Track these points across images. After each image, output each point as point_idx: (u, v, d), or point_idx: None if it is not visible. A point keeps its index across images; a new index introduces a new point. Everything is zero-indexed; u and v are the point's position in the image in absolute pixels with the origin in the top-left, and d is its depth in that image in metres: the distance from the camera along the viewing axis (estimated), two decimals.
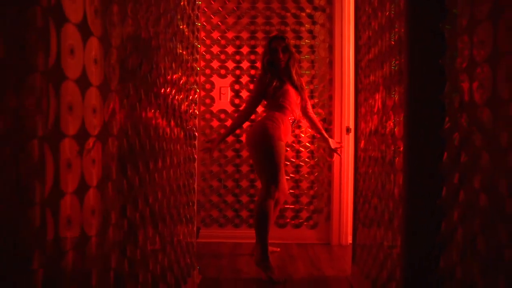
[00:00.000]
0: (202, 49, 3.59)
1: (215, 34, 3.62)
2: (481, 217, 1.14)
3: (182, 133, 2.11)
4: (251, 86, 3.60)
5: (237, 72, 3.63)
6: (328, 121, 3.58)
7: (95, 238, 1.02)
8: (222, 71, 3.63)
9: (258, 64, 3.58)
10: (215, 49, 3.62)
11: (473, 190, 1.18)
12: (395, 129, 1.75)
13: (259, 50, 3.59)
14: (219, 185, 3.63)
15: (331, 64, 3.59)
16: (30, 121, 0.76)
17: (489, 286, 1.10)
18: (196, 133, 2.53)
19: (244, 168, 3.62)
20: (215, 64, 3.63)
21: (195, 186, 2.52)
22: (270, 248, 3.25)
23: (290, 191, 3.59)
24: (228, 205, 3.64)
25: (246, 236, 3.53)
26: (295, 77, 2.91)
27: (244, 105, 3.23)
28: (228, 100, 3.63)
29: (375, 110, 2.14)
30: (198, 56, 2.60)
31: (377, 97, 2.11)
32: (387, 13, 1.92)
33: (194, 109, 2.45)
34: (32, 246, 0.77)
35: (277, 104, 2.85)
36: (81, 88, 0.94)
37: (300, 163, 3.62)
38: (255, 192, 3.60)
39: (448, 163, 1.37)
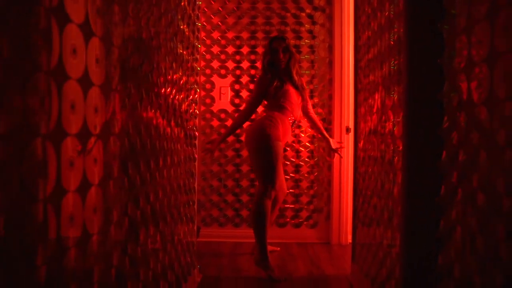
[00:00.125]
0: (202, 49, 3.61)
1: (215, 34, 3.63)
2: (479, 215, 1.15)
3: (182, 133, 2.12)
4: (251, 86, 3.61)
5: (237, 72, 3.64)
6: (327, 121, 3.59)
7: (97, 236, 1.04)
8: (222, 71, 3.64)
9: (258, 64, 3.59)
10: (215, 49, 3.63)
11: (471, 189, 1.19)
12: (394, 129, 1.76)
13: (259, 50, 3.60)
14: (219, 184, 3.64)
15: (330, 64, 3.60)
16: (34, 120, 0.78)
17: (487, 283, 1.11)
18: (197, 133, 2.54)
19: (244, 168, 3.63)
20: (215, 64, 3.64)
21: (196, 185, 2.53)
22: (270, 247, 3.26)
23: (290, 190, 3.60)
24: (228, 205, 3.65)
25: (246, 236, 3.53)
26: (295, 77, 2.92)
27: (244, 105, 3.24)
28: (228, 100, 3.65)
29: (375, 109, 2.15)
30: (198, 56, 2.61)
31: (376, 96, 2.12)
32: (386, 13, 1.94)
33: (195, 109, 2.46)
34: (36, 243, 0.79)
35: (277, 105, 2.86)
36: (83, 88, 0.95)
37: (300, 162, 3.63)
38: (255, 191, 3.61)
39: (446, 161, 1.38)
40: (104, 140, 1.07)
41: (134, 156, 1.33)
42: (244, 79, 3.65)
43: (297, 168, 3.64)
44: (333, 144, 3.18)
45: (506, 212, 1.02)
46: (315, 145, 3.63)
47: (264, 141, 2.74)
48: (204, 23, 3.61)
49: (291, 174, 3.62)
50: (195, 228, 2.55)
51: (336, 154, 3.27)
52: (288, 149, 3.61)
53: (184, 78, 2.13)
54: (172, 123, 1.88)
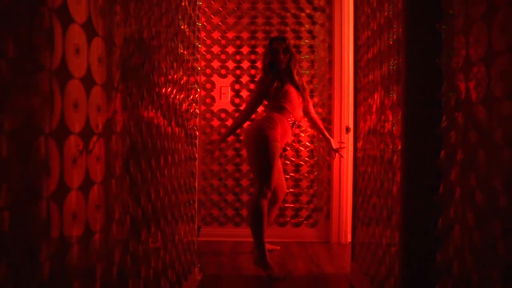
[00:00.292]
0: (202, 49, 3.62)
1: (216, 34, 3.64)
2: (477, 213, 1.16)
3: (183, 132, 2.13)
4: (251, 86, 3.63)
5: (238, 72, 3.66)
6: (327, 121, 3.60)
7: (99, 233, 1.05)
8: (223, 71, 3.66)
9: (259, 64, 3.61)
10: (216, 49, 3.65)
11: (469, 187, 1.21)
12: (394, 128, 1.78)
13: (260, 50, 3.62)
14: (220, 184, 3.66)
15: (330, 63, 3.62)
16: (37, 118, 0.79)
17: (484, 280, 1.12)
18: (197, 132, 2.56)
19: (244, 167, 3.64)
20: (215, 64, 3.65)
21: (196, 184, 2.55)
22: (270, 246, 3.27)
23: (290, 190, 3.61)
24: (229, 204, 3.66)
25: (246, 235, 3.54)
26: (296, 78, 2.93)
27: (245, 105, 3.26)
28: (229, 100, 3.66)
29: (374, 109, 2.17)
30: (199, 56, 2.62)
31: (375, 96, 2.14)
32: (386, 14, 1.95)
33: (195, 109, 2.47)
34: (40, 240, 0.80)
35: (277, 105, 2.88)
36: (86, 87, 0.96)
37: (300, 162, 3.65)
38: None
39: (445, 160, 1.39)
40: (106, 138, 1.09)
41: (136, 155, 1.35)
42: (244, 79, 3.66)
43: (297, 167, 3.65)
44: (334, 144, 3.19)
45: (503, 210, 1.03)
46: (315, 144, 3.64)
47: (262, 142, 2.75)
48: (204, 23, 3.62)
49: (291, 174, 3.63)
50: (196, 227, 2.56)
51: (336, 154, 3.28)
52: (288, 148, 3.63)
53: (184, 78, 2.14)
54: (173, 123, 1.89)
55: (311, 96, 3.58)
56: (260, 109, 3.40)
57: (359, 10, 2.63)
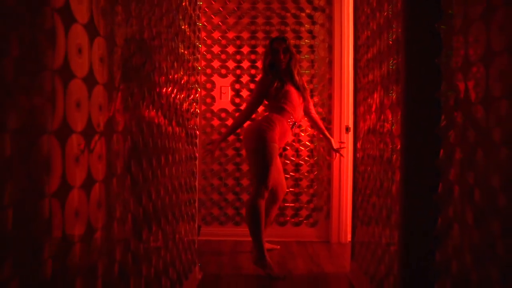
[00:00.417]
0: (203, 49, 3.63)
1: (216, 34, 3.65)
2: (476, 212, 1.17)
3: (183, 132, 2.14)
4: (252, 86, 3.63)
5: (238, 71, 3.67)
6: (327, 120, 3.61)
7: (101, 231, 1.06)
8: (223, 71, 3.66)
9: (259, 64, 3.62)
10: (216, 49, 3.66)
11: (468, 186, 1.21)
12: (393, 128, 1.78)
13: (260, 50, 3.63)
14: (220, 183, 3.67)
15: (330, 63, 3.63)
16: (40, 117, 0.80)
17: (483, 279, 1.13)
18: (197, 132, 2.57)
19: (245, 167, 3.65)
20: (215, 63, 3.66)
21: (196, 184, 2.55)
22: (270, 246, 3.28)
23: (290, 189, 3.62)
24: (229, 203, 3.67)
25: (246, 234, 3.54)
26: (297, 78, 2.94)
27: (245, 105, 3.26)
28: (229, 100, 3.67)
29: (373, 109, 2.18)
30: (199, 56, 2.63)
31: (375, 96, 2.14)
32: (385, 14, 1.96)
33: (195, 108, 2.48)
34: (43, 237, 0.81)
35: (277, 106, 2.88)
36: (88, 86, 0.97)
37: (300, 161, 3.66)
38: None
39: (444, 160, 1.40)
40: (107, 137, 1.09)
41: (137, 154, 1.36)
42: (245, 78, 3.67)
43: (297, 167, 3.66)
44: (335, 144, 3.20)
45: (502, 209, 1.04)
46: (315, 144, 3.65)
47: (260, 142, 2.76)
48: (205, 23, 3.63)
49: (291, 173, 3.64)
50: (196, 226, 2.57)
51: (337, 154, 3.29)
52: (288, 148, 3.64)
53: (185, 78, 2.15)
54: (174, 122, 1.90)
55: (311, 96, 3.59)
56: (261, 108, 3.41)
57: (358, 10, 2.64)
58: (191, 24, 2.32)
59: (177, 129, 1.99)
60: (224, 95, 3.66)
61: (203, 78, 3.66)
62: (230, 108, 3.66)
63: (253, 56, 3.66)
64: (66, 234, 0.89)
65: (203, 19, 3.60)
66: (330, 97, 3.62)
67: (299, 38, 3.63)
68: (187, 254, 2.27)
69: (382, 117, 1.98)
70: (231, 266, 2.91)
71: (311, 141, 3.65)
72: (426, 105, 1.49)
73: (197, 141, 2.57)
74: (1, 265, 0.70)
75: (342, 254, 3.23)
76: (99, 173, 1.04)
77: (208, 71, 3.66)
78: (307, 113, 3.15)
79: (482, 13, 1.13)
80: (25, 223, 0.76)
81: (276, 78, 2.89)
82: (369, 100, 2.29)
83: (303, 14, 3.64)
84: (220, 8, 3.65)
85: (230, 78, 3.67)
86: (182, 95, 2.08)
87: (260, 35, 3.65)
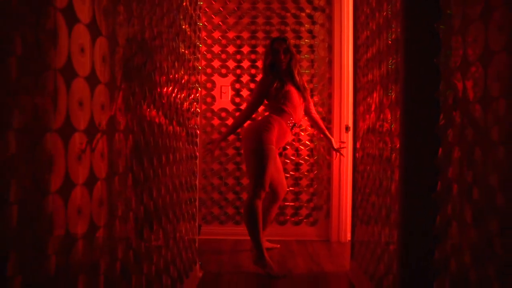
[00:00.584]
0: (203, 48, 3.64)
1: (216, 34, 3.66)
2: (474, 210, 1.18)
3: (184, 131, 2.15)
4: (252, 85, 3.65)
5: (238, 71, 3.68)
6: (327, 120, 3.62)
7: (103, 228, 1.07)
8: (223, 70, 3.67)
9: (259, 64, 3.63)
10: (216, 49, 3.67)
11: (467, 185, 1.22)
12: (392, 127, 1.79)
13: (260, 49, 3.64)
14: (220, 182, 3.68)
15: (330, 63, 3.64)
16: (44, 116, 0.81)
17: (482, 277, 1.14)
18: (198, 131, 2.58)
19: (245, 167, 3.66)
20: (216, 63, 3.67)
21: (197, 183, 2.56)
22: (270, 245, 3.30)
23: (290, 188, 3.63)
24: (229, 203, 3.68)
25: (246, 233, 3.53)
26: (297, 78, 2.95)
27: (245, 105, 3.27)
28: (229, 99, 3.68)
29: (373, 108, 2.19)
30: (199, 56, 2.64)
31: (375, 95, 2.15)
32: (384, 13, 1.97)
33: (196, 108, 2.49)
34: (46, 234, 0.82)
35: (277, 107, 2.89)
36: (91, 85, 0.98)
37: (300, 161, 3.67)
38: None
39: (443, 158, 1.41)
40: (109, 136, 1.10)
41: (138, 153, 1.37)
42: (245, 78, 3.68)
43: (297, 166, 3.67)
44: (335, 143, 3.21)
45: (500, 207, 1.05)
46: (315, 143, 3.66)
47: (257, 143, 2.77)
48: (205, 23, 3.64)
49: (291, 172, 3.65)
50: (196, 225, 2.58)
51: (337, 153, 3.29)
52: (288, 147, 3.65)
53: (185, 77, 2.16)
54: (174, 121, 1.91)
55: (311, 96, 3.60)
56: (261, 108, 3.42)
57: (358, 10, 2.65)
58: (192, 24, 2.33)
59: (178, 128, 2.00)
60: (224, 95, 3.67)
61: (204, 77, 3.67)
62: (230, 107, 3.67)
63: (253, 56, 3.67)
64: (69, 232, 0.90)
65: (204, 19, 3.61)
66: (330, 96, 3.63)
67: (299, 38, 3.65)
68: (188, 253, 2.28)
69: (382, 116, 1.99)
70: (231, 265, 2.92)
71: (311, 141, 3.67)
72: (425, 105, 1.50)
73: (198, 140, 2.58)
74: (5, 261, 0.71)
75: (341, 253, 3.24)
76: (102, 171, 1.05)
77: (209, 70, 3.67)
78: (307, 113, 3.16)
79: (480, 13, 1.15)
80: (29, 220, 0.77)
81: (276, 78, 2.90)
82: (369, 99, 2.30)
83: (303, 14, 3.65)
84: (221, 8, 3.66)
85: (230, 77, 3.68)
86: (183, 95, 2.10)
87: (260, 35, 3.66)
